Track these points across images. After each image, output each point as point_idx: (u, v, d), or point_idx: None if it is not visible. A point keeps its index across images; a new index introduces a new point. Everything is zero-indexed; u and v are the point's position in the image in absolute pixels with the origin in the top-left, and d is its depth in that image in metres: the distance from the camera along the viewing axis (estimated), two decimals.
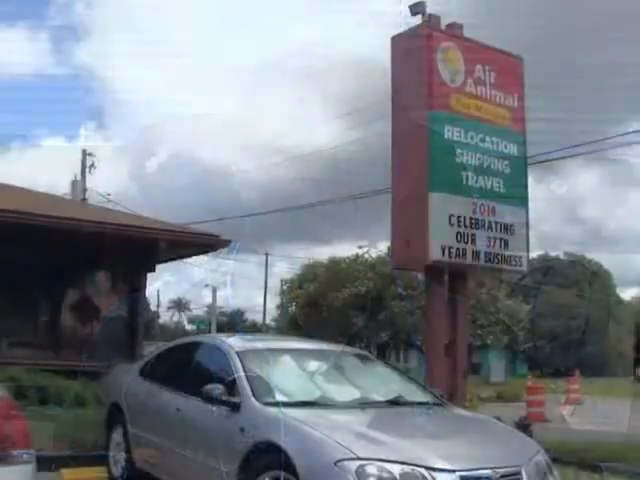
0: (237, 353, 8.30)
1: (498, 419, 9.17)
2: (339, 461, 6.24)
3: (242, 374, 7.90)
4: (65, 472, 10.10)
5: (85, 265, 17.86)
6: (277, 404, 7.45)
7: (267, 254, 73.19)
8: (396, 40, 12.48)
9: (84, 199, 41.36)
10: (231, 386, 7.83)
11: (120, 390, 10.24)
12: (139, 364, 10.78)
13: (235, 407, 7.59)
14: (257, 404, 7.48)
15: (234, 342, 8.84)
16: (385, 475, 6.13)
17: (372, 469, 6.15)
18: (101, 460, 10.45)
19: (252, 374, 7.94)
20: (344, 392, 8.12)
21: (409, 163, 12.18)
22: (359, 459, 6.22)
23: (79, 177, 45.20)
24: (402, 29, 12.50)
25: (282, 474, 6.67)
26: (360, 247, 52.44)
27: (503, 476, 6.50)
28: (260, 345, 9.39)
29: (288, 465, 6.57)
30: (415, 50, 12.30)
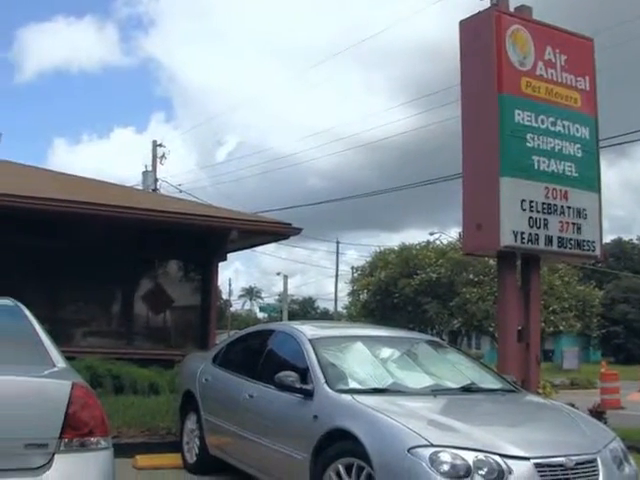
0: (310, 340, 8.32)
1: (572, 406, 9.08)
2: (412, 448, 6.22)
3: (315, 361, 7.93)
4: (140, 458, 10.22)
5: (157, 255, 18.04)
6: (350, 391, 7.47)
7: (338, 242, 73.49)
8: (464, 24, 12.37)
9: (155, 189, 41.82)
10: (304, 373, 7.86)
11: (193, 378, 10.34)
12: (212, 352, 10.87)
13: (308, 394, 7.62)
14: (330, 391, 7.50)
15: (307, 329, 8.87)
16: (458, 462, 6.09)
17: (446, 456, 6.12)
18: (175, 447, 10.60)
19: (325, 361, 7.96)
20: (416, 379, 8.09)
21: (479, 148, 12.08)
22: (432, 446, 6.20)
23: (150, 168, 45.72)
24: (470, 13, 12.40)
25: (355, 461, 6.69)
26: (431, 233, 52.37)
27: (578, 464, 6.41)
28: (332, 332, 9.43)
29: (361, 452, 6.57)
30: (484, 33, 12.17)
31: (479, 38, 12.21)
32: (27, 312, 5.98)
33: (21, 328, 5.69)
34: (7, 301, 6.49)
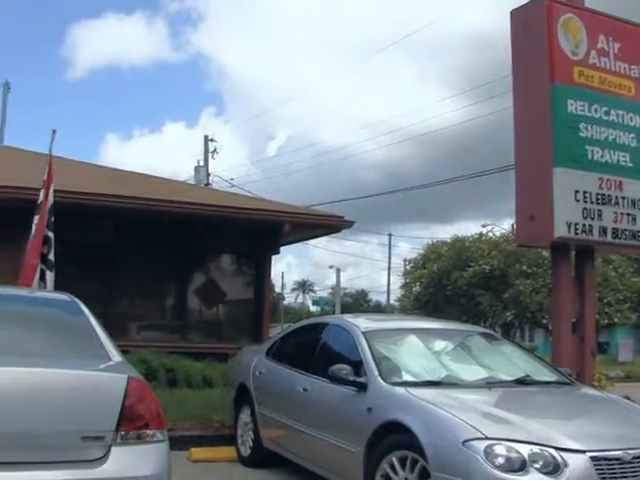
0: (363, 333, 8.32)
1: (627, 399, 8.98)
2: (467, 441, 6.20)
3: (368, 354, 7.93)
4: (194, 451, 10.31)
5: (211, 249, 18.15)
6: (404, 384, 7.46)
7: (390, 234, 73.42)
8: (515, 13, 12.26)
9: (207, 184, 42.05)
10: (357, 366, 7.86)
11: (247, 371, 10.39)
12: (266, 345, 10.91)
13: (362, 387, 7.62)
14: (384, 384, 7.49)
15: (360, 322, 8.87)
16: (513, 455, 6.05)
17: (500, 449, 6.08)
18: (229, 440, 10.65)
19: (378, 354, 7.96)
20: (470, 371, 8.06)
21: (532, 138, 11.97)
22: (487, 439, 6.17)
23: (202, 163, 45.99)
24: (522, 2, 12.28)
25: (409, 454, 6.69)
26: (484, 225, 52.10)
27: (635, 457, 6.32)
28: (386, 325, 9.42)
29: (415, 445, 6.56)
30: (535, 23, 12.05)
31: (530, 27, 12.09)
32: (83, 307, 6.05)
33: (78, 322, 5.76)
34: (64, 296, 6.59)
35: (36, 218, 11.70)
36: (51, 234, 11.62)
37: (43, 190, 11.83)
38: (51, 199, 11.76)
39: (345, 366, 7.85)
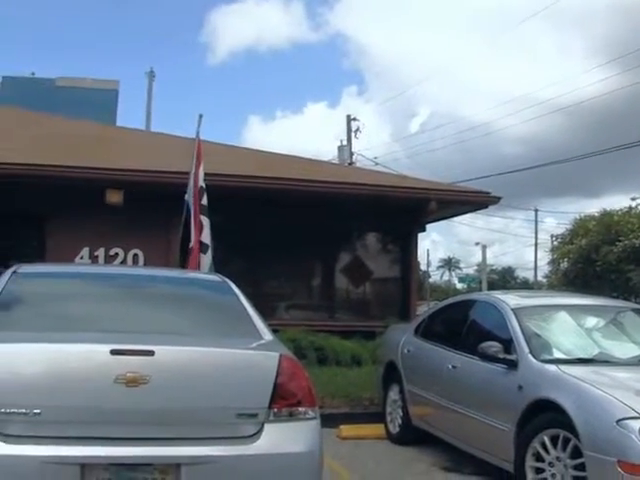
0: (513, 310, 8.23)
1: None
2: (621, 420, 6.07)
3: (519, 331, 7.84)
4: (343, 428, 10.40)
5: (356, 227, 18.19)
6: (555, 361, 7.36)
7: (536, 209, 72.18)
8: None
9: (351, 163, 42.20)
10: (507, 344, 7.79)
11: (396, 349, 10.41)
12: (414, 323, 10.92)
13: (512, 365, 7.55)
14: (534, 362, 7.41)
15: (509, 299, 8.76)
16: None
17: None
18: (378, 417, 10.70)
19: (529, 331, 7.87)
20: (624, 349, 7.88)
21: None
22: None
23: (345, 142, 46.17)
24: None
25: (561, 432, 6.60)
26: (633, 198, 50.53)
27: None
28: (535, 302, 9.26)
29: (567, 423, 6.48)
30: None
31: None
32: (234, 287, 6.18)
33: (230, 302, 5.91)
34: (215, 277, 6.80)
35: (189, 202, 11.95)
36: (204, 217, 11.84)
37: (193, 174, 12.07)
38: (202, 182, 11.98)
39: (495, 343, 7.79)
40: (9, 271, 5.94)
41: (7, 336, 4.88)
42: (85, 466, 4.40)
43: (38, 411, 4.44)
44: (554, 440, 6.66)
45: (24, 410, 4.44)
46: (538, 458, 6.80)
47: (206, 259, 11.71)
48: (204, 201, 11.89)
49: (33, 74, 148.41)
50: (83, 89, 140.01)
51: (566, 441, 6.52)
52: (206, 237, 11.78)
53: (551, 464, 6.66)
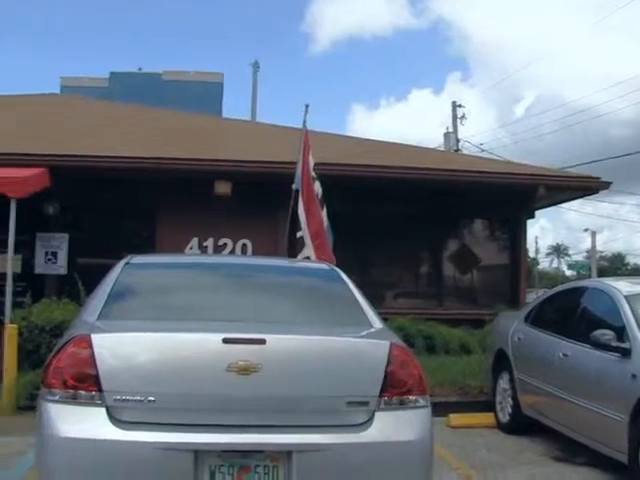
0: (625, 297, 8.05)
1: None
2: None
3: (632, 319, 7.68)
4: (453, 417, 10.35)
5: (464, 214, 18.07)
6: None
7: None
8: None
9: (457, 150, 41.88)
10: (620, 331, 7.63)
11: (506, 337, 10.31)
12: (523, 311, 10.79)
13: (626, 353, 7.39)
14: None
15: (622, 286, 8.58)
16: None
17: None
18: (487, 406, 10.64)
19: None
20: None
21: None
22: None
23: (450, 129, 45.83)
24: None
25: None
26: None
27: None
28: None
29: None
30: None
31: None
32: (344, 276, 6.18)
33: (340, 291, 5.90)
34: (324, 266, 6.81)
35: (298, 191, 12.02)
36: (320, 206, 11.86)
37: (301, 163, 12.14)
38: (312, 172, 12.02)
39: (608, 331, 7.64)
40: (122, 262, 6.04)
41: (122, 325, 4.99)
42: (198, 452, 4.46)
43: (152, 398, 4.51)
44: None
45: (139, 397, 4.51)
46: None
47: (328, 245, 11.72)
48: (317, 190, 11.92)
49: (140, 69, 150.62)
50: (189, 82, 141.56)
51: None
52: (321, 226, 11.78)
53: None
